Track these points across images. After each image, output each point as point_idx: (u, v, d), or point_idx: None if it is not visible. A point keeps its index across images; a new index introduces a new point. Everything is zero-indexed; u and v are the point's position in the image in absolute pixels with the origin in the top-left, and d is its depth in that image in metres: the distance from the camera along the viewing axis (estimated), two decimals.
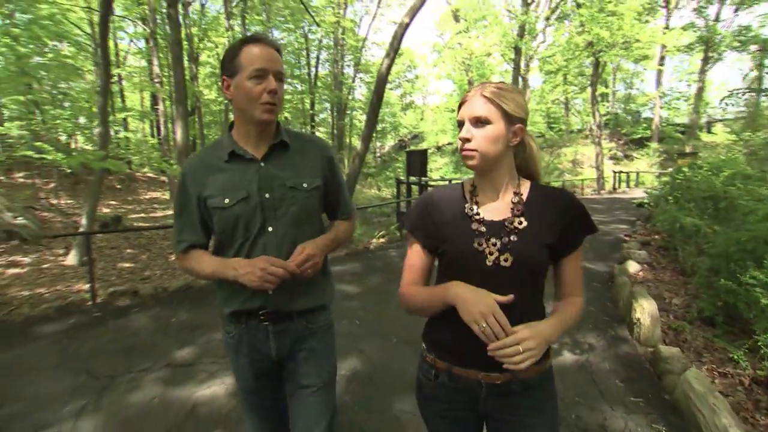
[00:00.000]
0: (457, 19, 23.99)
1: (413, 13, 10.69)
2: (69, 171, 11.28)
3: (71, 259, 5.82)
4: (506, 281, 0.93)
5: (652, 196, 7.51)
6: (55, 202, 10.98)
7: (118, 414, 2.21)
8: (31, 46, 10.95)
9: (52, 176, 11.50)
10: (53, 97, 12.93)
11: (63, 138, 15.77)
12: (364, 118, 23.89)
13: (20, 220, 7.20)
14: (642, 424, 2.20)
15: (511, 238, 0.95)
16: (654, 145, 24.57)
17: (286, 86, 24.52)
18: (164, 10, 11.09)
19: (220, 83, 1.19)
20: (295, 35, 23.30)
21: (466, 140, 0.94)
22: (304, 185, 1.18)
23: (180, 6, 10.63)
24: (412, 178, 10.40)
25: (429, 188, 9.84)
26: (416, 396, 1.11)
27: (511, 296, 0.89)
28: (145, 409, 2.26)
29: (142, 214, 11.91)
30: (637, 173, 20.23)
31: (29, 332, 3.38)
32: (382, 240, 7.83)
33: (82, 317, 3.67)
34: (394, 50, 10.65)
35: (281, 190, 1.15)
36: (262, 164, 1.15)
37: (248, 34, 20.42)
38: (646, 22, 16.90)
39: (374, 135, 29.60)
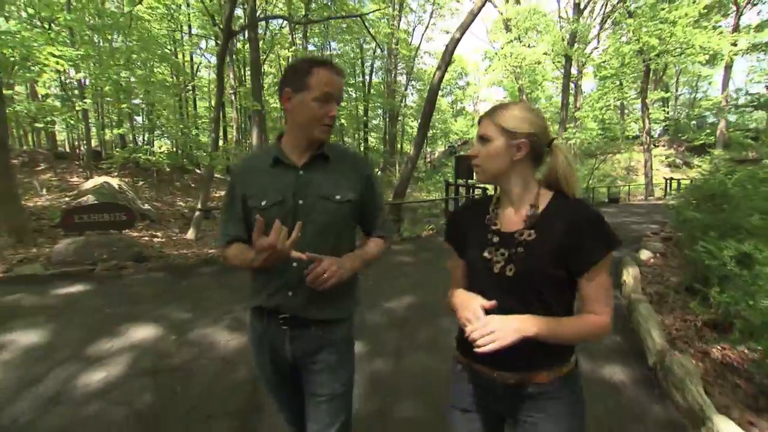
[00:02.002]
0: (508, 28, 24.61)
1: (464, 29, 11.85)
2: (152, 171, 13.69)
3: (190, 234, 7.63)
4: (513, 291, 0.97)
5: (677, 197, 8.12)
6: (153, 194, 13.31)
7: None
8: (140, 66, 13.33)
9: (136, 175, 13.76)
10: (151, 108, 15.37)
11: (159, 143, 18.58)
12: (415, 124, 25.17)
13: (146, 207, 9.25)
14: (607, 338, 3.26)
15: (518, 249, 0.98)
16: (717, 151, 23.57)
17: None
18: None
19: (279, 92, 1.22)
20: (351, 45, 25.07)
21: (474, 156, 1.03)
22: (337, 197, 1.21)
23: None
24: (460, 181, 11.50)
25: (475, 189, 10.91)
26: (451, 390, 1.17)
27: (494, 302, 0.94)
28: None
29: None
30: (691, 180, 19.75)
31: (194, 272, 5.07)
32: (431, 232, 9.08)
33: (219, 267, 5.27)
34: (445, 63, 11.85)
35: (313, 198, 1.20)
36: (301, 172, 1.21)
37: (309, 46, 22.16)
38: (711, 22, 16.66)
39: (426, 141, 30.82)
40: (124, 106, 11.61)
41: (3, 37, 5.80)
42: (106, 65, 8.60)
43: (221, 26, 15.56)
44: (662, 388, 2.66)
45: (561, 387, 1.01)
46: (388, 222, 1.41)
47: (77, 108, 9.59)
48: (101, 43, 9.21)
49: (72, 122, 10.19)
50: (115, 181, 8.92)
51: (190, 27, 19.40)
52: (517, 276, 0.97)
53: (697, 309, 3.74)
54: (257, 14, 16.80)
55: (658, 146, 27.51)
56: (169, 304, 3.87)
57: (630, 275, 4.12)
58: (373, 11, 14.68)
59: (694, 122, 30.64)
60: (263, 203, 1.19)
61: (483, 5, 11.95)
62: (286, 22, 20.00)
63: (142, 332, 3.22)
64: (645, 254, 5.74)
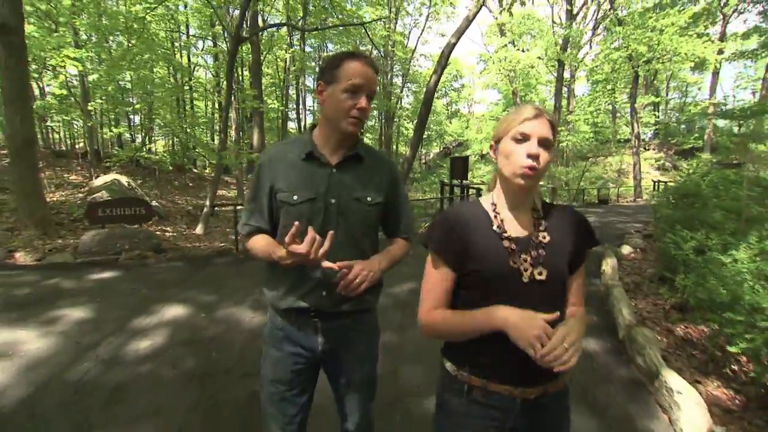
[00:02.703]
0: (502, 32, 25.17)
1: (459, 34, 12.32)
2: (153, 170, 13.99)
3: (199, 229, 8.00)
4: (542, 295, 0.94)
5: (658, 197, 8.65)
6: (157, 192, 13.60)
7: None
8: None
9: (136, 174, 14.02)
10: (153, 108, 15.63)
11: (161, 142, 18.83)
12: (410, 125, 25.67)
13: (155, 203, 9.60)
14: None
15: (540, 251, 0.96)
16: (704, 155, 24.28)
17: None
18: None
19: (316, 87, 1.21)
20: (348, 47, 25.43)
21: (536, 157, 0.92)
22: (368, 199, 1.22)
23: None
24: (455, 181, 11.96)
25: (470, 189, 11.37)
26: (438, 419, 1.08)
27: (557, 314, 0.88)
28: None
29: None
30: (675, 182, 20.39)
31: (210, 262, 5.46)
32: (426, 229, 9.56)
33: (233, 258, 5.67)
34: (441, 67, 12.31)
35: (346, 198, 1.19)
36: (334, 171, 1.19)
37: (306, 47, 22.38)
38: (696, 30, 17.28)
39: (421, 143, 31.24)
40: (135, 106, 11.88)
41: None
42: (118, 67, 8.94)
43: (222, 29, 15.94)
44: (628, 354, 3.12)
45: (565, 394, 1.04)
46: (412, 224, 1.41)
47: (90, 108, 9.89)
48: (113, 46, 9.52)
49: (80, 121, 10.45)
50: (123, 179, 9.26)
51: (188, 27, 19.67)
52: (549, 278, 0.95)
53: (665, 294, 4.22)
54: (264, 19, 17.20)
55: (648, 150, 28.18)
56: (192, 288, 4.27)
57: (609, 266, 4.59)
58: (375, 20, 15.09)
59: (684, 126, 31.39)
60: (295, 198, 1.17)
61: (478, 11, 12.44)
62: (284, 20, 20.44)
63: (174, 311, 3.62)
64: (626, 249, 6.23)
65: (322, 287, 1.19)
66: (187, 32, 20.06)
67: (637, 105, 19.39)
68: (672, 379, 2.47)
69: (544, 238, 0.98)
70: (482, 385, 0.99)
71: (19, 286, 4.05)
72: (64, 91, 8.32)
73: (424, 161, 35.54)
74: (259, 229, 1.23)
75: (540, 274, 0.95)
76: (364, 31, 19.71)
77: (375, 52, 26.20)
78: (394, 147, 30.05)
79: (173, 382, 2.54)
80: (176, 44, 19.09)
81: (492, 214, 1.02)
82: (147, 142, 15.64)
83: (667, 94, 33.88)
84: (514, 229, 1.00)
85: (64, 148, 18.16)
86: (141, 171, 14.32)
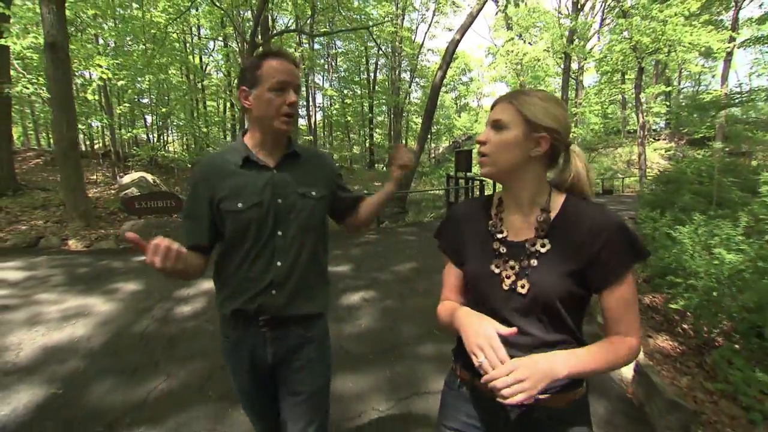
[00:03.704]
0: (509, 26, 25.38)
1: (464, 30, 12.75)
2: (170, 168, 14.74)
3: None
4: (523, 309, 0.86)
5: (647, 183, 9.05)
6: (177, 189, 14.38)
7: None
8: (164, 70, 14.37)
9: (154, 172, 14.77)
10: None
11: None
12: (419, 120, 26.00)
13: (181, 195, 10.32)
14: None
15: (531, 262, 0.86)
16: (716, 144, 24.15)
17: (347, 91, 26.30)
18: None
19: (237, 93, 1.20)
20: (356, 44, 25.83)
21: (482, 143, 0.89)
22: (313, 193, 1.23)
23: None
24: (460, 174, 12.48)
25: (474, 181, 11.86)
26: (440, 404, 1.05)
27: (514, 329, 0.80)
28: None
29: None
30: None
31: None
32: (432, 219, 10.12)
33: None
34: (446, 63, 12.77)
35: (293, 196, 1.19)
36: (275, 171, 1.19)
37: (315, 45, 22.91)
38: (701, 19, 17.28)
39: (429, 137, 31.51)
40: (161, 110, 12.47)
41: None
42: (140, 73, 9.66)
43: (233, 30, 16.55)
44: (592, 315, 3.66)
45: (572, 412, 0.89)
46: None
47: (118, 111, 10.67)
48: (137, 53, 10.22)
49: (99, 123, 11.24)
50: (149, 176, 10.00)
51: (199, 28, 20.32)
52: (532, 294, 0.84)
53: (638, 269, 4.73)
54: (273, 19, 17.81)
55: (658, 140, 28.08)
56: None
57: None
58: (380, 23, 15.57)
59: (696, 115, 31.07)
60: (239, 205, 1.15)
61: (481, 7, 12.84)
62: (293, 22, 20.99)
63: (209, 285, 4.27)
64: (634, 231, 6.71)
65: (273, 286, 1.17)
66: (198, 33, 20.72)
67: (647, 95, 19.46)
68: None
69: (543, 246, 0.86)
70: (469, 379, 0.95)
71: (78, 266, 4.77)
72: (96, 97, 9.07)
73: (433, 155, 35.89)
74: (197, 246, 1.18)
75: (522, 287, 0.85)
76: (373, 39, 20.22)
77: (383, 47, 26.69)
78: (404, 141, 30.41)
79: (213, 333, 3.18)
80: (188, 45, 19.78)
81: (494, 212, 0.95)
82: (165, 142, 16.45)
83: (679, 83, 33.55)
84: (515, 231, 0.91)
85: (83, 149, 19.10)
86: (158, 169, 15.12)
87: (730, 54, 23.27)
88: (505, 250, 0.90)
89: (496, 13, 21.80)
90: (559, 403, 0.87)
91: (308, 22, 20.84)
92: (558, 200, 0.90)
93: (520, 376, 0.73)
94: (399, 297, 4.00)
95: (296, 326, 1.23)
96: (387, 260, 5.27)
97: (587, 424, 0.91)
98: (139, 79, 11.94)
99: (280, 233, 1.17)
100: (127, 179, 9.77)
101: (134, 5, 9.63)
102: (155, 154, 13.85)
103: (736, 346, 3.02)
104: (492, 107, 0.91)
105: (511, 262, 0.88)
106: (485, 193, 1.27)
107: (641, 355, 2.81)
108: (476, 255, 0.94)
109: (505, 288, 0.87)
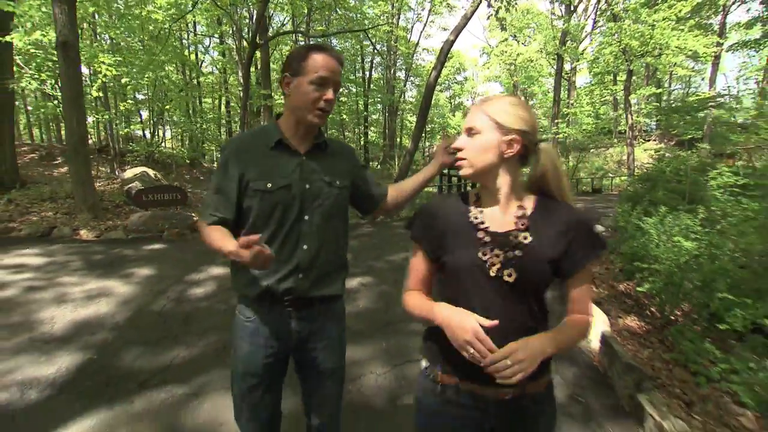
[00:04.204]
0: (503, 27, 25.77)
1: (458, 31, 13.02)
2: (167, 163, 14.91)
3: None
4: (506, 295, 0.92)
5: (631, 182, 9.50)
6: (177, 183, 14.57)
7: None
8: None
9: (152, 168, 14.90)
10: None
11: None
12: (413, 118, 26.30)
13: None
14: None
15: (516, 252, 0.92)
16: (703, 146, 24.74)
17: (342, 89, 26.33)
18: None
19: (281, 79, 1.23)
20: (351, 42, 25.96)
21: (459, 149, 0.98)
22: (338, 182, 1.28)
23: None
24: (452, 171, 12.85)
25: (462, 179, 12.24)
26: (417, 415, 1.06)
27: (495, 322, 0.85)
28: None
29: None
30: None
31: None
32: None
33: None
34: (440, 63, 13.04)
35: (319, 183, 1.24)
36: (305, 158, 1.23)
37: (311, 42, 23.03)
38: (688, 24, 17.78)
39: (423, 135, 31.67)
40: (165, 106, 12.50)
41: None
42: (142, 70, 9.88)
43: (230, 28, 16.69)
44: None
45: (547, 395, 1.00)
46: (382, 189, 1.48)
47: (122, 108, 10.89)
48: (139, 52, 10.44)
49: (106, 119, 11.44)
50: (150, 171, 10.23)
51: (195, 25, 20.37)
52: (519, 281, 0.91)
53: (616, 260, 5.11)
54: (269, 16, 18.02)
55: (648, 140, 28.66)
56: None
57: None
58: (375, 26, 15.83)
59: (681, 117, 31.65)
60: (269, 186, 1.18)
61: (475, 9, 13.13)
62: (289, 19, 21.16)
63: (218, 270, 4.59)
64: (598, 228, 7.10)
65: (300, 270, 1.21)
66: (195, 30, 20.78)
67: (638, 96, 19.95)
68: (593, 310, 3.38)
69: (525, 238, 0.94)
70: (454, 383, 0.97)
71: (93, 254, 5.05)
72: (101, 93, 9.29)
73: (427, 154, 36.23)
74: (224, 220, 1.20)
75: (509, 275, 0.91)
76: (369, 40, 20.39)
77: (379, 46, 26.91)
78: (398, 140, 30.64)
79: (226, 311, 3.49)
80: (185, 42, 19.86)
81: (474, 205, 1.02)
82: (161, 138, 16.59)
83: (669, 85, 34.17)
84: (495, 223, 0.97)
85: None
86: (156, 165, 15.26)
87: (717, 57, 23.90)
88: (489, 239, 0.95)
89: (488, 18, 22.10)
90: (540, 388, 0.97)
91: (305, 20, 21.04)
92: (530, 199, 1.00)
93: (519, 357, 0.82)
94: (393, 283, 4.34)
95: (319, 306, 1.28)
96: (382, 251, 5.62)
97: (554, 403, 1.04)
98: (143, 76, 12.07)
99: (306, 218, 1.21)
100: (129, 173, 10.00)
101: (130, 2, 9.78)
102: (153, 150, 14.03)
103: (693, 323, 3.41)
104: (464, 115, 1.03)
105: (497, 251, 0.93)
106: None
107: (609, 330, 3.18)
108: (460, 245, 0.97)
109: (492, 275, 0.92)
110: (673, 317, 3.51)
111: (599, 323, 3.20)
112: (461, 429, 0.99)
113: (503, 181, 0.97)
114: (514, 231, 0.95)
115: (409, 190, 1.46)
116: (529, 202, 0.99)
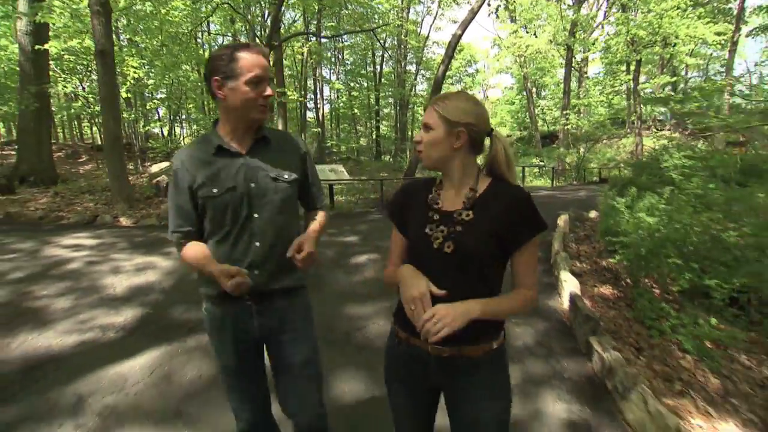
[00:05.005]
0: (513, 19, 25.80)
1: (465, 26, 13.36)
2: None
3: None
4: (449, 266, 1.04)
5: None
6: None
7: None
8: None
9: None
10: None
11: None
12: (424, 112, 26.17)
13: None
14: None
15: (457, 228, 1.05)
16: (720, 134, 24.47)
17: (353, 83, 26.54)
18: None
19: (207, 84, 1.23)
20: (362, 37, 26.12)
21: (417, 143, 1.10)
22: (285, 176, 1.28)
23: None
24: None
25: None
26: (385, 362, 1.23)
27: (444, 291, 1.00)
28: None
29: None
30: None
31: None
32: None
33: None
34: (448, 58, 13.40)
35: (265, 180, 1.25)
36: (247, 157, 1.26)
37: (322, 39, 23.34)
38: (698, 12, 17.69)
39: None
40: (192, 106, 12.88)
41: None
42: (163, 72, 10.59)
43: (244, 26, 17.20)
44: (551, 267, 4.54)
45: (490, 360, 1.08)
46: (324, 196, 1.49)
47: (149, 107, 11.65)
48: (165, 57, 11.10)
49: (132, 118, 12.20)
50: None
51: (209, 24, 20.93)
52: (456, 253, 1.03)
53: (600, 237, 5.58)
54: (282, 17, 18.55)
55: (662, 130, 28.40)
56: None
57: (562, 221, 5.96)
58: (383, 26, 16.21)
59: (704, 105, 31.11)
60: (215, 191, 1.22)
61: (482, 4, 13.44)
62: (301, 16, 21.62)
63: None
64: (593, 213, 7.54)
65: (254, 267, 1.24)
66: (208, 29, 21.33)
67: (653, 86, 19.87)
68: (564, 275, 3.90)
69: (467, 216, 1.05)
70: (405, 338, 1.12)
71: (134, 236, 5.74)
72: (130, 95, 10.04)
73: None
74: (189, 233, 1.28)
75: (448, 247, 1.03)
76: (377, 23, 20.72)
77: (389, 41, 27.17)
78: (410, 133, 30.87)
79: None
80: (199, 41, 20.40)
81: (435, 189, 1.15)
82: (179, 135, 17.33)
83: (686, 73, 33.63)
84: (448, 203, 1.10)
85: (100, 142, 19.80)
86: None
87: (735, 44, 23.55)
88: (437, 218, 1.09)
89: (488, 15, 22.22)
90: (477, 353, 1.06)
91: (315, 16, 21.40)
92: (485, 182, 1.11)
93: (442, 314, 0.93)
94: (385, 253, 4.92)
95: (280, 298, 1.30)
96: (388, 233, 6.09)
97: (503, 371, 1.12)
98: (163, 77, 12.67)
99: (256, 215, 1.24)
100: (155, 168, 10.75)
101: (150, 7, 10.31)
102: (175, 147, 14.79)
103: (653, 287, 3.91)
104: (424, 110, 1.19)
105: (442, 227, 1.07)
106: None
107: (577, 292, 3.70)
108: (416, 221, 1.12)
109: (435, 247, 1.05)
110: (641, 285, 4.00)
111: (572, 288, 3.72)
112: (409, 379, 1.15)
113: (456, 167, 1.10)
114: (459, 210, 1.08)
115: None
116: (483, 185, 1.10)
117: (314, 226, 1.36)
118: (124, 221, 6.70)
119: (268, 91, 1.22)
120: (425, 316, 0.94)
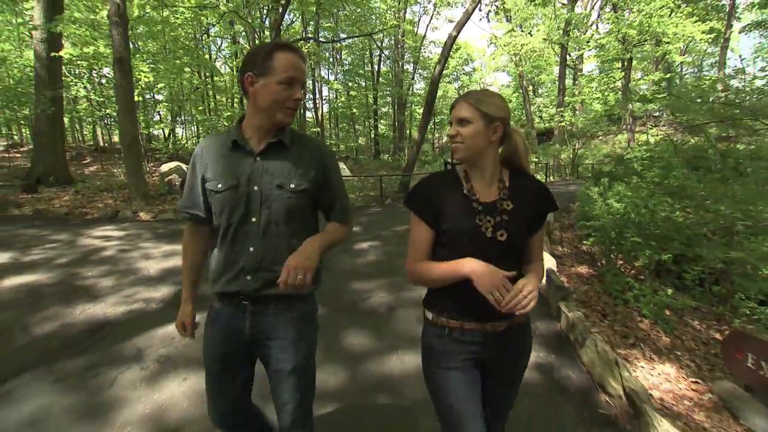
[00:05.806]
0: (508, 18, 26.22)
1: (460, 27, 13.78)
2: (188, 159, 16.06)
3: None
4: (501, 252, 1.15)
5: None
6: None
7: None
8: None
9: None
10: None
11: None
12: (422, 111, 26.61)
13: None
14: None
15: (504, 217, 1.16)
16: (712, 131, 24.92)
17: (352, 83, 26.72)
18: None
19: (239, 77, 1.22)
20: (359, 38, 26.52)
21: (454, 136, 1.18)
22: (291, 186, 1.22)
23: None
24: (455, 159, 13.77)
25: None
26: (425, 359, 1.27)
27: (514, 272, 1.11)
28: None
29: None
30: None
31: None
32: None
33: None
34: (444, 57, 13.81)
35: (269, 186, 1.21)
36: (258, 158, 1.23)
37: (320, 39, 23.72)
38: (684, 10, 18.15)
39: (433, 127, 32.19)
40: (197, 106, 13.27)
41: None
42: (169, 76, 11.09)
43: (243, 28, 17.60)
44: None
45: (527, 323, 1.29)
46: (347, 210, 1.39)
47: (159, 109, 12.15)
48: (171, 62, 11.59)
49: (140, 121, 12.65)
50: (184, 165, 11.46)
51: (209, 27, 21.26)
52: (509, 239, 1.15)
53: (583, 226, 6.11)
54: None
55: (656, 126, 28.86)
56: None
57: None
58: (381, 30, 16.63)
59: (699, 100, 31.55)
60: (218, 186, 1.21)
61: (476, 6, 13.89)
62: (300, 16, 21.90)
63: None
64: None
65: (246, 272, 1.22)
66: (208, 32, 21.70)
67: (647, 82, 20.29)
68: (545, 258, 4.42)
69: (508, 205, 1.17)
70: (458, 326, 1.20)
71: (155, 228, 6.27)
72: (141, 98, 10.53)
73: (437, 146, 36.94)
74: (196, 217, 1.30)
75: (501, 236, 1.15)
76: (374, 23, 21.05)
77: (386, 41, 27.54)
78: (408, 132, 31.21)
79: None
80: (200, 43, 20.75)
81: (464, 181, 1.22)
82: (180, 136, 17.77)
83: (681, 70, 34.02)
84: (483, 194, 1.19)
85: (108, 144, 20.21)
86: (181, 160, 16.23)
87: (727, 40, 23.99)
88: (481, 208, 1.17)
89: (480, 20, 22.63)
90: (523, 318, 1.24)
91: (314, 18, 21.65)
92: (506, 173, 1.23)
93: (530, 288, 1.06)
94: (395, 244, 5.45)
95: (277, 305, 1.26)
96: (388, 224, 6.74)
97: (530, 330, 1.32)
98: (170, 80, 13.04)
99: (253, 220, 1.21)
100: (165, 167, 11.25)
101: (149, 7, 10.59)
102: (180, 148, 15.27)
103: (624, 264, 4.43)
104: (453, 107, 1.20)
105: (489, 218, 1.16)
106: None
107: (553, 268, 4.21)
108: (459, 214, 1.17)
109: (488, 236, 1.15)
110: (612, 263, 4.52)
111: (549, 265, 4.24)
112: (465, 361, 1.22)
113: (489, 159, 1.19)
114: (498, 200, 1.18)
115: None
116: (506, 176, 1.23)
117: (317, 237, 1.24)
118: (143, 216, 7.21)
119: (298, 95, 1.20)
120: (518, 296, 1.05)
